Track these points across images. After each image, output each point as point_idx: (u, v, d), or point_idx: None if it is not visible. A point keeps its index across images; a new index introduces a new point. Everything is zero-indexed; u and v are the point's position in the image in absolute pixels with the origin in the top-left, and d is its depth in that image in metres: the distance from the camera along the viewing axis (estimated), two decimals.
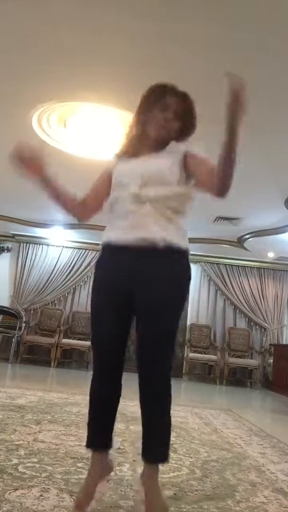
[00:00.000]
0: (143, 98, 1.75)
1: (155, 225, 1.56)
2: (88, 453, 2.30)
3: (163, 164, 1.63)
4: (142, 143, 1.72)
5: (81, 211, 1.83)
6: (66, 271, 8.35)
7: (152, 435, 1.61)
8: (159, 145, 1.70)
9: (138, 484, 1.72)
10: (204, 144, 1.64)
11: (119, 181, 1.68)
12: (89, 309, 1.79)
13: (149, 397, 1.59)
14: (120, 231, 1.61)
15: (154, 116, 1.68)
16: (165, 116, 1.67)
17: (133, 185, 1.61)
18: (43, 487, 1.80)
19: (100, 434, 1.72)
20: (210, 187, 1.57)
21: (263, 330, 8.38)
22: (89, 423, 1.74)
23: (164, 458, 1.62)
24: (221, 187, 1.52)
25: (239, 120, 1.43)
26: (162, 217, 1.58)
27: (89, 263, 8.28)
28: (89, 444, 1.72)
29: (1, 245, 8.44)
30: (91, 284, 1.80)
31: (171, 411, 1.63)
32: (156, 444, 1.61)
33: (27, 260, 8.37)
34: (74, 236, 8.00)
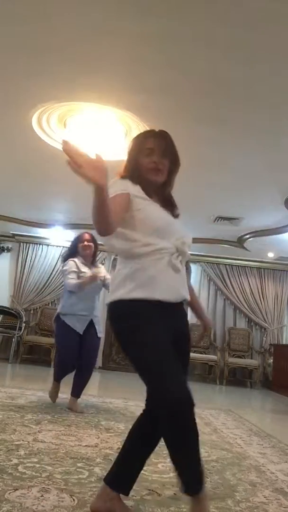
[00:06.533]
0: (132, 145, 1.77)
1: (186, 284, 1.68)
2: (88, 454, 2.30)
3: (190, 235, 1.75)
4: (150, 185, 1.69)
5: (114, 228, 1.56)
6: None
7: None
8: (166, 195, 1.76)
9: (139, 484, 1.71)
10: None
11: (160, 228, 1.60)
12: None
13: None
14: (169, 288, 1.58)
15: (144, 163, 1.68)
16: (153, 159, 1.67)
17: (179, 243, 1.62)
18: (43, 487, 1.80)
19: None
20: None
21: (263, 330, 8.38)
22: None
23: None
24: None
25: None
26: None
27: None
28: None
29: (1, 245, 8.44)
30: None
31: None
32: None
33: (27, 260, 8.36)
34: (74, 236, 7.99)
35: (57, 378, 3.78)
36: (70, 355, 3.64)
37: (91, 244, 3.84)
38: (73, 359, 3.63)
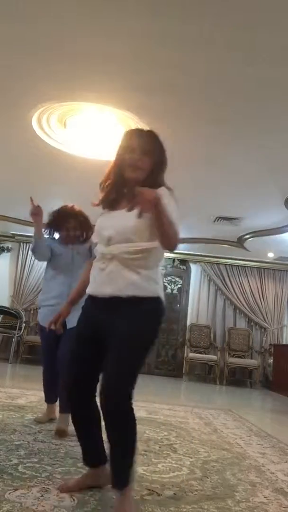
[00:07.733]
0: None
1: (120, 280, 1.65)
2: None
3: (129, 221, 1.63)
4: (121, 190, 1.76)
5: None
6: None
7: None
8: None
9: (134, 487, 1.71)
10: (169, 194, 1.69)
11: (101, 236, 1.75)
12: None
13: None
14: (94, 284, 1.75)
15: (125, 159, 1.73)
16: (132, 156, 1.71)
17: (101, 245, 1.73)
18: (43, 487, 1.80)
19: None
20: (159, 241, 1.63)
21: (263, 330, 8.38)
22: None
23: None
24: (164, 243, 1.62)
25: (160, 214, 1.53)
26: (128, 272, 1.65)
27: None
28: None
29: (1, 245, 8.43)
30: None
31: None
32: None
33: (27, 260, 8.35)
34: None
35: (46, 397, 3.15)
36: (45, 358, 3.14)
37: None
38: (49, 361, 3.07)
